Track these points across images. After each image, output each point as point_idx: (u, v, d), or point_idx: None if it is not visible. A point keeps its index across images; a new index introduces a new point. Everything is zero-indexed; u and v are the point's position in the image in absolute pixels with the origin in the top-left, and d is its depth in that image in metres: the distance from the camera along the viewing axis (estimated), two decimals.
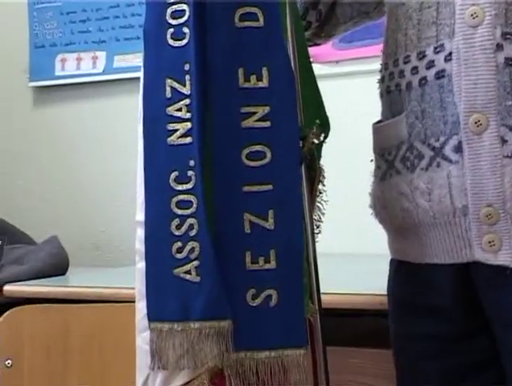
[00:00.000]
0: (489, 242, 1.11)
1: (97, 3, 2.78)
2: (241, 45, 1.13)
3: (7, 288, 2.01)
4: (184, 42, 1.13)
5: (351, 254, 2.25)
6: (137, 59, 2.66)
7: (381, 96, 1.27)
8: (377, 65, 1.28)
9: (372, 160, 1.28)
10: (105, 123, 2.75)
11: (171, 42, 1.15)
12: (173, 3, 1.15)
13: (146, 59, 1.18)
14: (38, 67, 2.88)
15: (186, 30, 1.13)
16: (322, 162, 1.25)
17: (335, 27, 1.39)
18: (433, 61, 1.14)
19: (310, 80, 1.27)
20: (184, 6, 1.14)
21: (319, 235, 1.24)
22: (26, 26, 2.89)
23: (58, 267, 2.17)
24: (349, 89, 2.31)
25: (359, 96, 2.09)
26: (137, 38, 2.70)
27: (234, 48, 1.13)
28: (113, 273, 2.36)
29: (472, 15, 1.10)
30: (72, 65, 2.84)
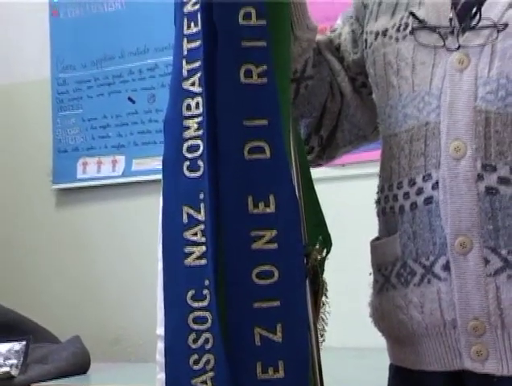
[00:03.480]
0: (477, 352, 1.23)
1: (117, 110, 2.95)
2: (250, 175, 1.25)
3: None
4: (199, 173, 1.26)
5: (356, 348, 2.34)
6: (154, 163, 2.81)
7: (378, 215, 1.39)
8: None
9: (370, 273, 1.40)
10: (124, 223, 2.89)
11: (187, 173, 1.27)
12: (189, 138, 1.28)
13: (165, 187, 1.30)
14: (60, 171, 3.04)
15: (200, 163, 1.26)
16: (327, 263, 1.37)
17: (336, 150, 1.52)
18: (422, 188, 1.27)
19: (312, 201, 1.40)
20: (199, 142, 1.27)
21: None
22: (50, 131, 3.06)
23: (80, 366, 2.28)
24: (355, 191, 2.44)
25: (365, 198, 2.22)
26: (154, 142, 2.86)
27: (244, 178, 1.25)
28: (133, 370, 2.45)
29: (455, 149, 1.23)
30: (92, 168, 3.00)
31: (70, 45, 3.04)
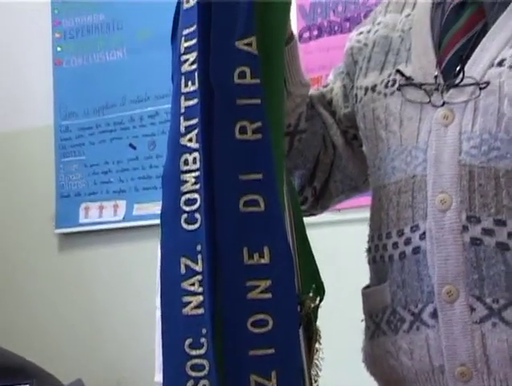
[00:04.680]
0: None
1: (118, 156, 3.01)
2: (245, 227, 1.30)
3: None
4: (196, 226, 1.31)
5: None
6: (155, 207, 2.87)
7: (369, 263, 1.45)
8: None
9: (362, 320, 1.45)
10: (126, 267, 2.94)
11: (184, 225, 1.32)
12: (187, 192, 1.34)
13: (164, 239, 1.36)
14: (63, 215, 3.10)
15: (198, 215, 1.31)
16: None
17: (329, 201, 1.58)
18: (410, 239, 1.32)
19: (306, 250, 1.45)
20: (196, 195, 1.33)
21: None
22: (52, 177, 3.12)
23: None
24: (351, 236, 2.48)
25: (360, 243, 2.27)
26: (154, 188, 2.92)
27: (239, 230, 1.31)
28: None
29: (441, 201, 1.29)
30: (94, 213, 3.06)
31: (73, 93, 3.12)
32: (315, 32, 2.71)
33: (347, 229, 2.52)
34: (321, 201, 1.57)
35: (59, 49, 3.17)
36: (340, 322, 2.26)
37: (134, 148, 3.01)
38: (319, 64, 2.63)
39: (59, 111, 3.13)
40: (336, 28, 2.67)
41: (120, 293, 2.93)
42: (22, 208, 3.20)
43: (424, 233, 1.30)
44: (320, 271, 1.43)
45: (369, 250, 1.44)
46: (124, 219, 3.00)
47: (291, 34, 1.46)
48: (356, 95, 1.48)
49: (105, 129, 3.06)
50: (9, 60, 3.26)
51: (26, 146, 3.19)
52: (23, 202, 3.20)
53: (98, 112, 3.07)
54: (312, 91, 1.57)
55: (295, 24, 2.69)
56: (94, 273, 3.00)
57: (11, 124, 3.22)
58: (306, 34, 2.72)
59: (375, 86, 1.43)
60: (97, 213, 3.05)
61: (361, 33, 1.53)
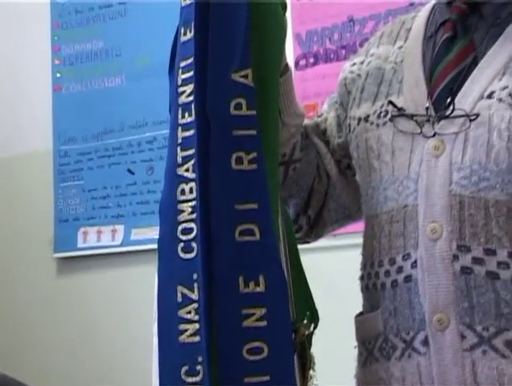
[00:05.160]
0: None
1: (116, 181, 3.04)
2: (241, 256, 1.33)
3: None
4: (193, 255, 1.34)
5: None
6: (152, 232, 2.89)
7: (362, 291, 1.47)
8: None
9: (355, 346, 1.48)
10: (123, 291, 2.95)
11: (181, 254, 1.35)
12: (183, 221, 1.36)
13: (160, 267, 1.38)
14: (61, 240, 3.13)
15: (194, 244, 1.34)
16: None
17: (323, 229, 1.60)
18: (402, 267, 1.35)
19: (300, 278, 1.47)
20: (193, 225, 1.35)
21: None
22: (51, 202, 3.15)
23: None
24: (347, 261, 2.50)
25: (356, 269, 2.29)
26: (152, 212, 2.94)
27: (235, 259, 1.33)
28: None
29: (432, 230, 1.32)
30: (93, 238, 3.08)
31: (72, 118, 3.15)
32: (312, 60, 2.75)
33: (342, 255, 2.53)
34: (315, 229, 1.60)
35: (58, 75, 3.20)
36: (334, 349, 2.28)
37: (133, 173, 3.04)
38: (315, 91, 2.66)
39: (58, 136, 3.17)
40: (331, 56, 2.71)
41: (118, 317, 2.95)
42: (21, 232, 3.23)
43: (416, 262, 1.33)
44: (315, 297, 1.46)
45: (361, 278, 1.47)
46: (122, 244, 3.02)
47: (286, 65, 1.49)
48: (349, 125, 1.51)
49: (103, 155, 3.09)
50: (9, 86, 3.29)
51: (26, 171, 3.22)
52: (22, 226, 3.22)
53: (97, 137, 3.11)
54: (307, 121, 1.60)
55: (291, 52, 2.74)
56: (92, 297, 3.02)
57: (11, 149, 3.25)
58: (302, 62, 2.76)
59: (368, 116, 1.46)
60: (96, 237, 3.08)
61: (354, 64, 1.56)
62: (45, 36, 3.23)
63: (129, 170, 3.06)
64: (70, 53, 3.20)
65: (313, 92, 2.67)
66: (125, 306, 2.94)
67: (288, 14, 2.63)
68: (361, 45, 2.50)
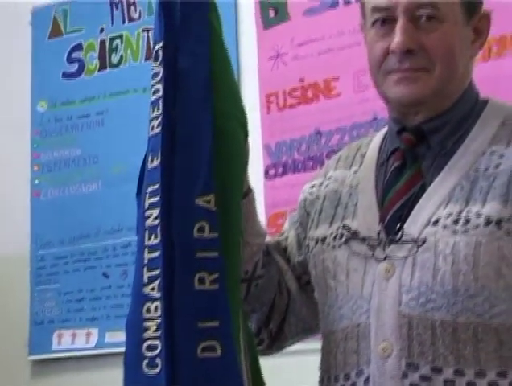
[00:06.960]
0: None
1: (91, 285, 3.11)
2: (203, 372, 1.39)
3: None
4: (157, 370, 1.39)
5: None
6: None
7: None
8: None
9: None
10: None
11: (146, 370, 1.41)
12: (148, 338, 1.43)
13: (126, 382, 1.45)
14: (36, 342, 3.16)
15: (158, 361, 1.39)
16: None
17: (284, 342, 1.67)
18: (355, 383, 1.43)
19: None
20: (157, 342, 1.40)
21: None
22: (27, 304, 3.19)
23: None
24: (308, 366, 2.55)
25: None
26: (126, 316, 2.99)
27: (197, 375, 1.38)
28: None
29: (383, 349, 1.40)
30: (67, 340, 3.12)
31: (49, 223, 3.23)
32: (281, 170, 2.86)
33: (313, 359, 2.58)
34: (277, 342, 1.66)
35: (37, 181, 3.29)
36: None
37: (107, 277, 3.11)
38: (284, 200, 2.76)
39: (35, 241, 3.24)
40: (299, 166, 2.82)
41: None
42: None
43: (368, 378, 1.40)
44: None
45: None
46: (96, 347, 3.07)
47: (249, 188, 1.58)
48: (308, 245, 1.59)
49: (79, 258, 3.16)
50: None
51: (3, 273, 3.27)
52: None
53: (73, 241, 3.18)
54: (269, 238, 1.68)
55: (261, 162, 2.85)
56: None
57: None
58: (272, 172, 2.87)
59: (325, 238, 1.55)
60: (70, 340, 3.12)
61: (313, 186, 1.65)
62: (25, 143, 3.33)
63: (104, 274, 3.12)
64: (49, 160, 3.29)
65: (282, 200, 2.77)
66: None
67: (258, 125, 2.80)
68: (327, 156, 2.61)
